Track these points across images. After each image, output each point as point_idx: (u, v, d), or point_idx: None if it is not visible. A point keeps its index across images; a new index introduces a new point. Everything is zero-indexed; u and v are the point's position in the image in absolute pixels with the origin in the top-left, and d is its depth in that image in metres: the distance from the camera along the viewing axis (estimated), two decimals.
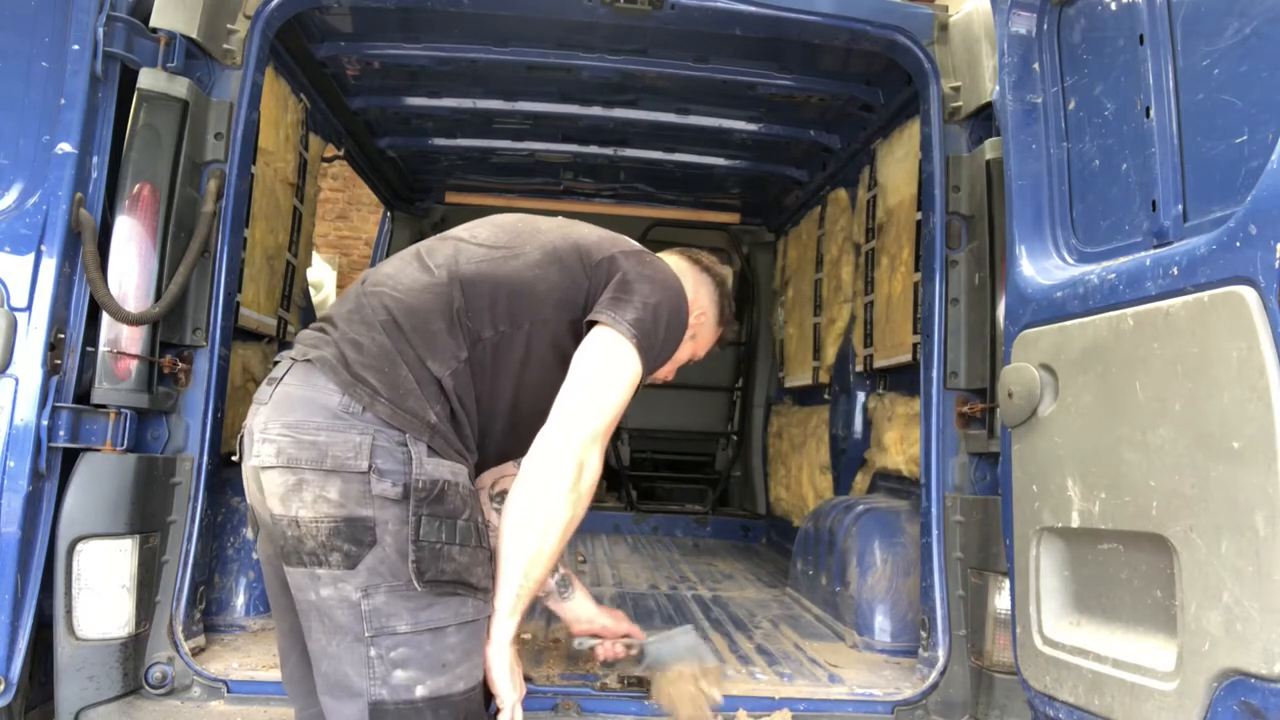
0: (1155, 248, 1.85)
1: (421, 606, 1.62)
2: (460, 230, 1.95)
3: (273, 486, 1.64)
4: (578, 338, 1.84)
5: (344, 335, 1.73)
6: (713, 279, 2.20)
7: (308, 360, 1.71)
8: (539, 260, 1.86)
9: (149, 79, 2.39)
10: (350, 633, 1.61)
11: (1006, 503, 2.20)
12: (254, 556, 2.76)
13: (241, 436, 1.77)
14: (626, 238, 2.03)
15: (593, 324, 1.82)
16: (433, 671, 1.62)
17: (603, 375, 1.78)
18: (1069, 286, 2.03)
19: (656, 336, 1.84)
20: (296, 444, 1.62)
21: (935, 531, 2.64)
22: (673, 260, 2.16)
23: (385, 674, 1.60)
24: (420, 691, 1.61)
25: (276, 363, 1.82)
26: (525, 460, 1.74)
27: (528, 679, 2.42)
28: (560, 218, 2.06)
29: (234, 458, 1.81)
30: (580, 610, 2.49)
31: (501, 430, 1.85)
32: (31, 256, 2.19)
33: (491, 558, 1.73)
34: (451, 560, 1.64)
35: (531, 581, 1.73)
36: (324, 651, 1.64)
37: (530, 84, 3.97)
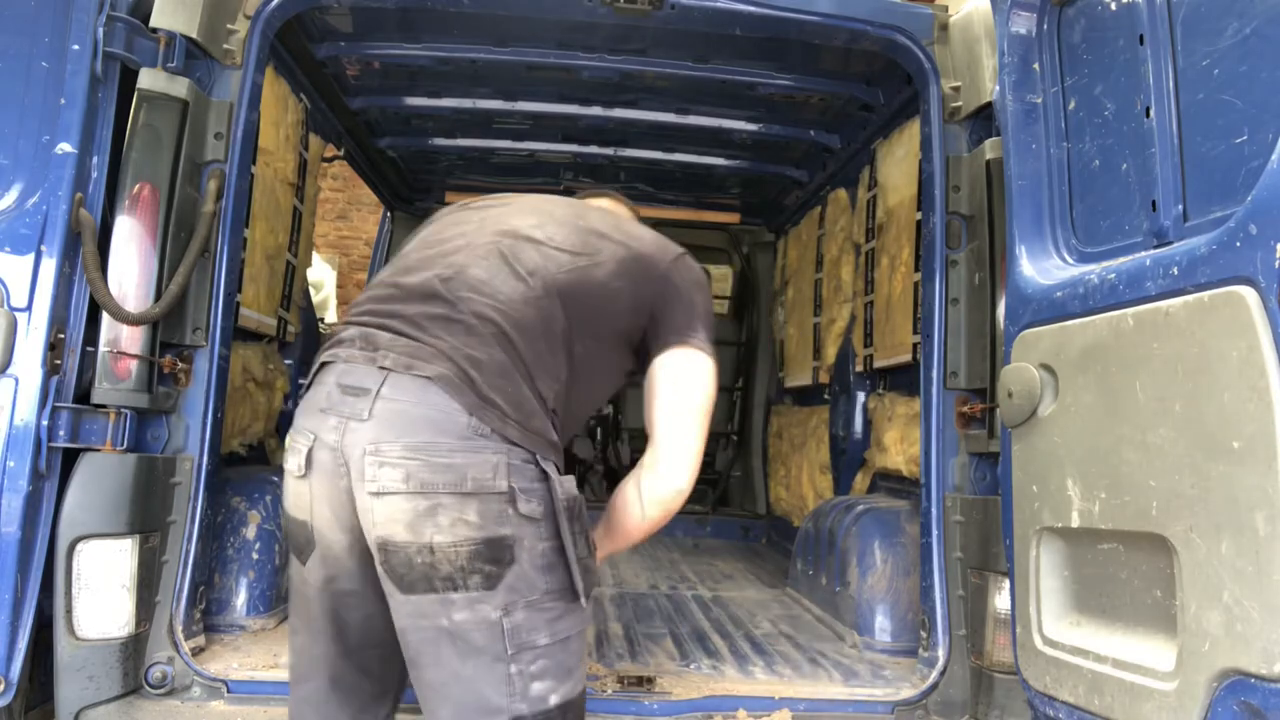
0: (1155, 248, 1.85)
1: (556, 617, 1.63)
2: (523, 223, 1.87)
3: (396, 513, 1.56)
4: (636, 339, 1.91)
5: (455, 349, 1.65)
6: (628, 205, 2.42)
7: (423, 377, 1.61)
8: (615, 271, 1.85)
9: (149, 79, 2.39)
10: (488, 653, 1.58)
11: (1006, 503, 2.20)
12: (254, 557, 2.76)
13: (310, 450, 1.65)
14: (664, 237, 2.05)
15: (676, 341, 1.89)
16: (563, 678, 1.63)
17: (706, 398, 1.88)
18: (1069, 286, 2.03)
19: (712, 333, 1.95)
20: (430, 467, 1.55)
21: (935, 531, 2.64)
22: (607, 204, 2.29)
23: (525, 688, 1.59)
24: (554, 700, 1.62)
25: (327, 364, 1.71)
26: (654, 480, 1.83)
27: None
28: (598, 206, 2.11)
29: (295, 470, 1.68)
30: None
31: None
32: (31, 256, 2.19)
33: None
34: (591, 572, 1.68)
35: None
36: (456, 676, 1.59)
37: (530, 84, 3.97)
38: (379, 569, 1.60)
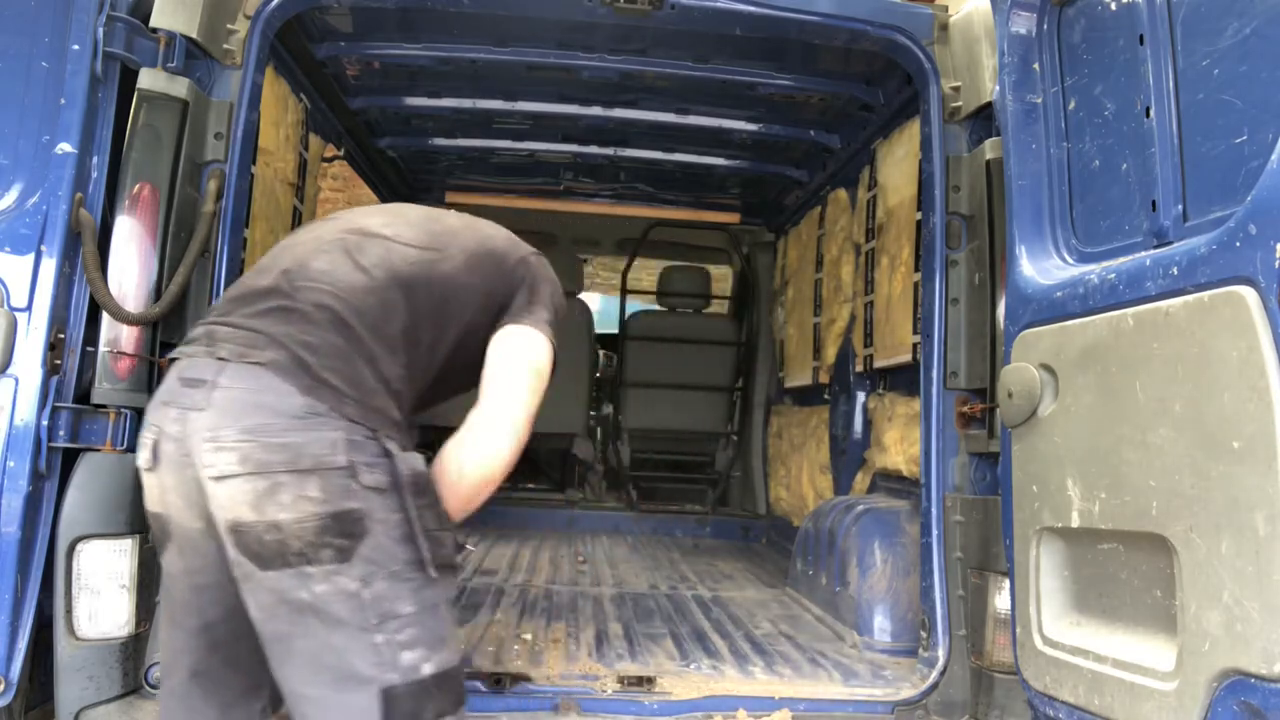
0: (1155, 248, 1.85)
1: (420, 586, 1.65)
2: (372, 223, 1.94)
3: (238, 495, 1.59)
4: (481, 330, 1.95)
5: (290, 335, 1.68)
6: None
7: (256, 364, 1.64)
8: (464, 265, 1.92)
9: (149, 79, 2.38)
10: (353, 624, 1.60)
11: (1006, 503, 2.20)
12: None
13: (155, 443, 1.69)
14: (517, 238, 2.15)
15: (512, 320, 1.96)
16: (435, 647, 1.66)
17: (532, 368, 1.91)
18: (1069, 286, 2.03)
19: (558, 324, 2.03)
20: (265, 448, 1.58)
21: (935, 531, 2.64)
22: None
23: (394, 657, 1.61)
24: (427, 669, 1.64)
25: (174, 360, 1.75)
26: (473, 440, 1.81)
27: (527, 679, 2.42)
28: (453, 212, 2.17)
29: (144, 464, 1.71)
30: None
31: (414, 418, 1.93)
32: (31, 256, 2.19)
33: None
34: (445, 545, 1.70)
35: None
36: (326, 646, 1.62)
37: (530, 84, 3.97)
38: (233, 553, 1.63)
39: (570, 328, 5.57)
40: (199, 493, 1.63)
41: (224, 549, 1.64)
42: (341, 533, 1.59)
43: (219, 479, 1.60)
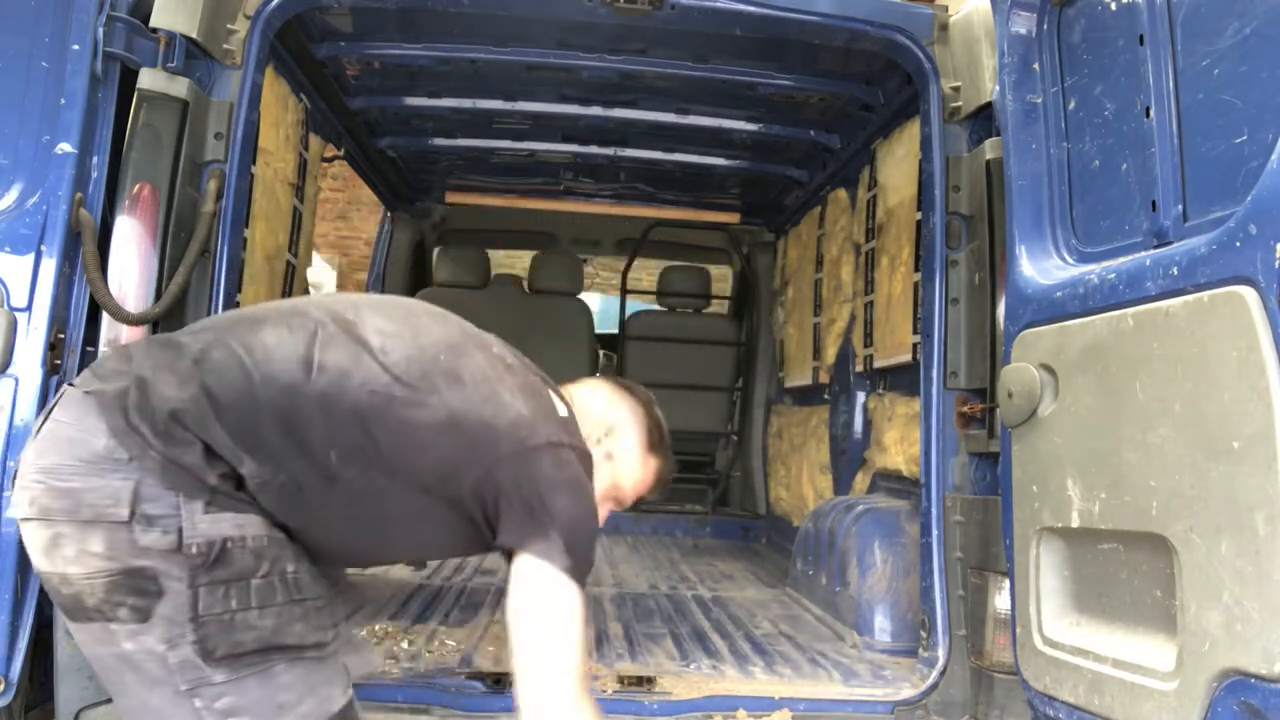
0: (1155, 248, 1.85)
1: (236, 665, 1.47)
2: (370, 319, 1.65)
3: (33, 540, 1.47)
4: (459, 508, 1.65)
5: (143, 372, 1.51)
6: (631, 400, 1.99)
7: (88, 392, 1.49)
8: (441, 423, 1.59)
9: (149, 79, 2.38)
10: (168, 685, 1.46)
11: (1006, 503, 2.20)
12: None
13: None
14: (550, 408, 1.75)
15: (517, 548, 1.63)
16: (269, 716, 1.48)
17: (564, 642, 1.60)
18: (1069, 286, 2.03)
19: (586, 556, 1.65)
20: (50, 492, 1.44)
21: (935, 531, 2.64)
22: (594, 382, 2.02)
23: None
24: None
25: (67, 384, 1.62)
26: None
27: None
28: (496, 352, 1.77)
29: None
30: None
31: (330, 550, 1.65)
32: (31, 256, 2.19)
33: (325, 606, 1.58)
34: (251, 628, 1.46)
35: None
36: (145, 705, 1.49)
37: (530, 84, 3.97)
38: (52, 597, 1.52)
39: (570, 328, 5.60)
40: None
41: None
42: (134, 590, 1.43)
43: (20, 520, 1.50)
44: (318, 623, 1.55)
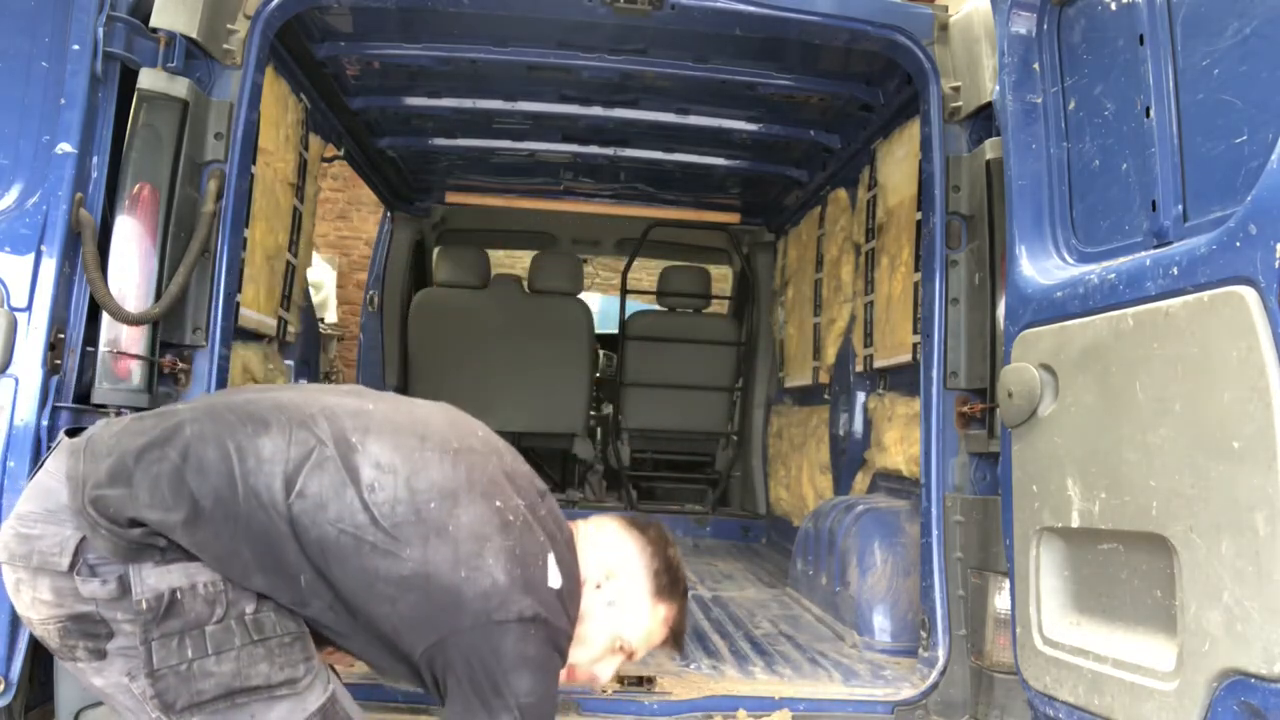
0: (1155, 248, 1.85)
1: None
2: (373, 448, 1.59)
3: (5, 582, 1.54)
4: (411, 664, 1.60)
5: (125, 447, 1.51)
6: (641, 542, 1.85)
7: (74, 451, 1.54)
8: (405, 579, 1.52)
9: (149, 79, 2.38)
10: (142, 713, 1.50)
11: (1006, 503, 2.20)
12: None
13: None
14: (535, 581, 1.62)
15: None
16: None
17: None
18: (1069, 286, 2.02)
19: None
20: (16, 537, 1.50)
21: (935, 531, 2.64)
22: (608, 523, 1.90)
23: None
24: None
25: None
26: None
27: None
28: (498, 505, 1.63)
29: None
30: None
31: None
32: (31, 256, 2.19)
33: (288, 641, 1.54)
34: (209, 675, 1.46)
35: None
36: None
37: (530, 84, 3.97)
38: None
39: (570, 328, 5.60)
40: None
41: None
42: (85, 634, 1.47)
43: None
44: (285, 659, 1.53)
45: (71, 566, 1.45)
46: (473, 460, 1.67)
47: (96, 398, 2.29)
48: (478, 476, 1.65)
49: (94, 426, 1.63)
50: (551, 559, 1.66)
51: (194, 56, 2.51)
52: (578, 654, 1.77)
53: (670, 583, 1.83)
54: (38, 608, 1.49)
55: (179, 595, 1.46)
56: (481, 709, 1.52)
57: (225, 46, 2.57)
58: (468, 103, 4.17)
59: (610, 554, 1.81)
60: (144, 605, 1.45)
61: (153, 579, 1.46)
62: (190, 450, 1.51)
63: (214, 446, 1.52)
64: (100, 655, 1.48)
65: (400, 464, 1.59)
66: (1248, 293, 1.51)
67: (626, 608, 1.80)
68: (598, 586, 1.78)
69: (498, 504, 1.63)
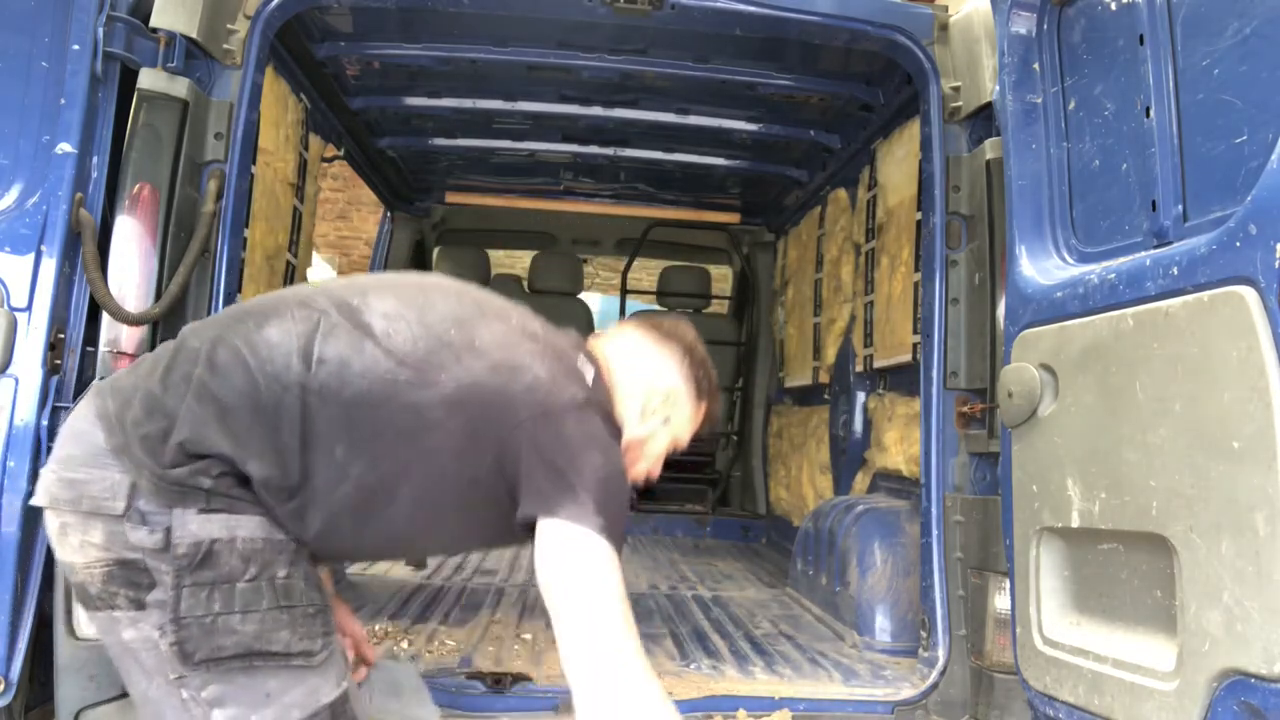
0: (1155, 248, 1.85)
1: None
2: (375, 304, 1.60)
3: (47, 528, 1.54)
4: (479, 489, 1.58)
5: (147, 385, 1.53)
6: (678, 347, 1.92)
7: (100, 392, 1.56)
8: (450, 399, 1.53)
9: (149, 79, 2.38)
10: (160, 674, 1.48)
11: (1006, 503, 2.20)
12: None
13: None
14: (573, 370, 1.68)
15: (543, 514, 1.53)
16: (255, 705, 1.47)
17: (603, 594, 1.51)
18: (1069, 286, 2.02)
19: (619, 516, 1.55)
20: (60, 482, 1.50)
21: (935, 531, 2.64)
22: (631, 333, 1.93)
23: (204, 715, 1.47)
24: None
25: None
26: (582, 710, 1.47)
27: (528, 679, 2.42)
28: (515, 323, 1.69)
29: None
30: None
31: (336, 542, 1.60)
32: (31, 256, 2.19)
33: (316, 613, 1.54)
34: (231, 632, 1.44)
35: None
36: (145, 696, 1.52)
37: (530, 84, 3.97)
38: None
39: (571, 328, 5.59)
40: None
41: None
42: (128, 582, 1.47)
43: (43, 508, 1.55)
44: (306, 631, 1.52)
45: (125, 511, 1.45)
46: (477, 295, 1.74)
47: None
48: (486, 306, 1.71)
49: (108, 378, 1.65)
50: (581, 358, 1.74)
51: (194, 56, 2.51)
52: (638, 468, 1.84)
53: (708, 381, 1.92)
54: (86, 551, 1.48)
55: (216, 547, 1.45)
56: (560, 488, 1.51)
57: (225, 46, 2.57)
58: (468, 103, 4.17)
59: (658, 375, 1.86)
60: (181, 550, 1.44)
61: (194, 525, 1.45)
62: (203, 360, 1.52)
63: (224, 349, 1.53)
64: (139, 605, 1.47)
65: (406, 309, 1.61)
66: (1248, 293, 1.51)
67: (678, 418, 1.88)
68: (653, 412, 1.82)
69: (514, 321, 1.69)
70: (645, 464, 1.87)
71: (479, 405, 1.55)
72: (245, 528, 1.48)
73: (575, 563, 1.50)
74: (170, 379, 1.53)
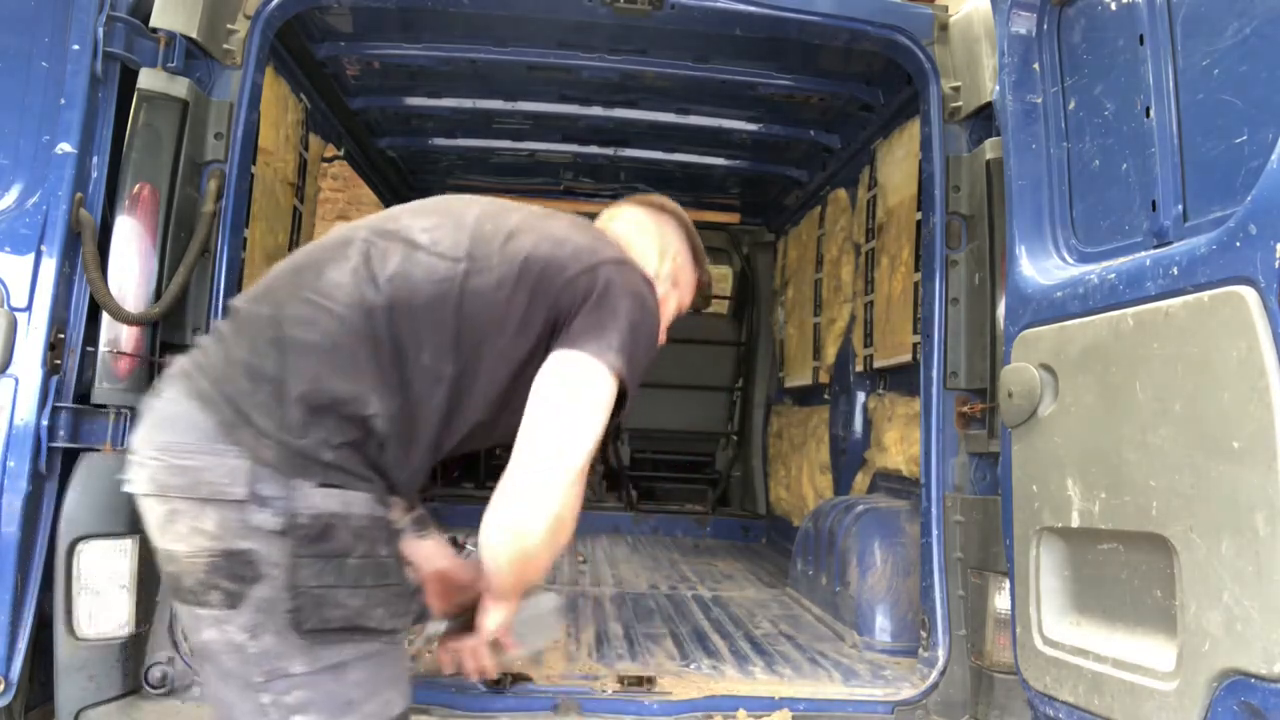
0: (1155, 248, 1.85)
1: (315, 643, 1.48)
2: (412, 225, 1.69)
3: (150, 516, 1.51)
4: (536, 357, 1.65)
5: (237, 356, 1.54)
6: (674, 218, 2.05)
7: (190, 375, 1.55)
8: (505, 278, 1.63)
9: (149, 79, 2.38)
10: (239, 678, 1.47)
11: (1006, 503, 2.20)
12: None
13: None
14: (604, 239, 1.84)
15: (565, 344, 1.63)
16: (335, 713, 1.48)
17: (581, 402, 1.59)
18: (1069, 286, 2.02)
19: (639, 363, 1.67)
20: (168, 469, 1.47)
21: (935, 531, 2.64)
22: (630, 211, 2.03)
23: None
24: None
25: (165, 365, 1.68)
26: (503, 500, 1.56)
27: (527, 679, 2.42)
28: (531, 207, 1.84)
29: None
30: (433, 555, 1.99)
31: (425, 456, 1.66)
32: (31, 256, 2.19)
33: (405, 593, 1.59)
34: (340, 606, 1.48)
35: (517, 592, 1.69)
36: (218, 698, 1.52)
37: (530, 84, 3.97)
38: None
39: None
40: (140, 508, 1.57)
41: None
42: (231, 575, 1.45)
43: (139, 496, 1.52)
44: (396, 609, 1.56)
45: (247, 496, 1.45)
46: (494, 199, 1.85)
47: (96, 398, 2.29)
48: (507, 203, 1.83)
49: (187, 358, 1.61)
50: (600, 230, 1.89)
51: (194, 56, 2.51)
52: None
53: (700, 251, 2.08)
54: (193, 539, 1.45)
55: (333, 521, 1.48)
56: (594, 325, 1.62)
57: (225, 46, 2.57)
58: (468, 103, 4.17)
59: (662, 242, 1.99)
60: (303, 521, 1.46)
61: (316, 498, 1.47)
62: (287, 320, 1.55)
63: (298, 304, 1.57)
64: (233, 603, 1.45)
65: (441, 219, 1.71)
66: (1248, 293, 1.51)
67: (684, 281, 2.03)
68: (656, 276, 1.91)
69: (535, 209, 1.82)
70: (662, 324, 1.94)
71: (534, 276, 1.64)
72: (357, 504, 1.51)
73: (573, 383, 1.60)
74: (258, 346, 1.54)
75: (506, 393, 1.66)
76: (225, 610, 1.45)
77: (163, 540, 1.50)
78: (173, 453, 1.48)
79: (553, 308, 1.64)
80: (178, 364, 1.59)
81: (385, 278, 1.59)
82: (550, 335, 1.65)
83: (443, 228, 1.69)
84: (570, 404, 1.59)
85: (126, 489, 1.55)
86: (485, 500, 1.59)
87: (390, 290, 1.58)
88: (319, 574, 1.46)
